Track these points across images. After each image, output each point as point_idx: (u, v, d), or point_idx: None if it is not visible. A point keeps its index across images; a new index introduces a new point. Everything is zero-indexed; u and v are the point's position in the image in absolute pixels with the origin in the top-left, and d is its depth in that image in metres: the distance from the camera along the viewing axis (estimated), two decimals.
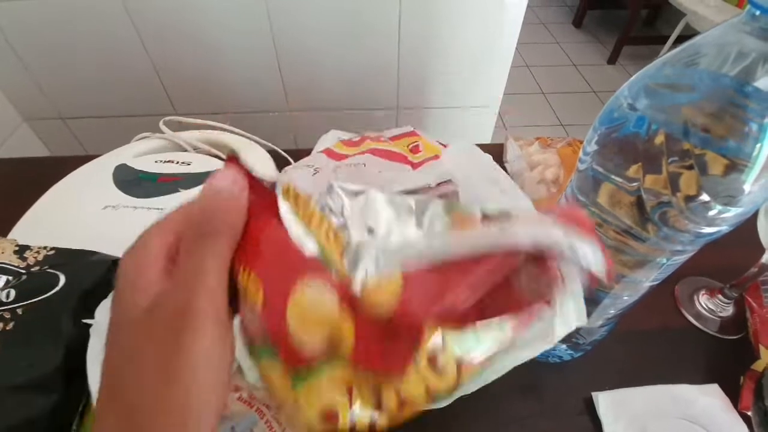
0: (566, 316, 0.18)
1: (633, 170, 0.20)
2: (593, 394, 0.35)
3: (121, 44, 0.74)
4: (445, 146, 0.46)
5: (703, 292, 0.42)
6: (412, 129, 0.46)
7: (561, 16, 2.59)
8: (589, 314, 0.30)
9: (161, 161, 0.40)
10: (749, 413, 0.33)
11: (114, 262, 0.28)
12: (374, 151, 0.36)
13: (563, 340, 0.33)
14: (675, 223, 0.20)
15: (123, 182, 0.38)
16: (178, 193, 0.37)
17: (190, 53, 0.78)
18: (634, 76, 0.21)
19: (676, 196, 0.19)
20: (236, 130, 0.48)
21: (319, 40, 0.80)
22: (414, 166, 0.37)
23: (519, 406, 0.36)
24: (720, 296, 0.41)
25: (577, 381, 0.37)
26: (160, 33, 0.74)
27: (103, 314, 0.26)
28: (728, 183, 0.18)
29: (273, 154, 0.49)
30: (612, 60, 2.24)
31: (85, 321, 0.25)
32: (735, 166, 0.18)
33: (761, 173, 0.18)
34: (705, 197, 0.18)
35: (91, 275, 0.27)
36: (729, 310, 0.41)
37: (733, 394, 0.35)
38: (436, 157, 0.38)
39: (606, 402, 0.35)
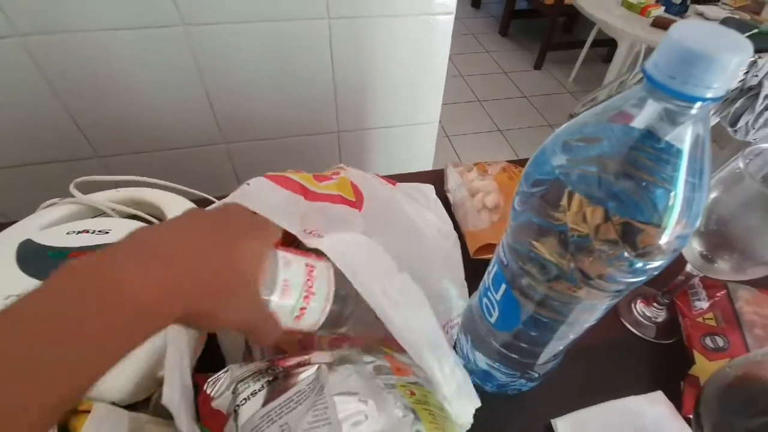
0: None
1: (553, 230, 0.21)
2: (552, 421, 0.36)
3: (23, 87, 0.67)
4: (393, 184, 0.45)
5: (639, 300, 0.45)
6: (342, 165, 0.45)
7: (488, 26, 2.73)
8: (537, 355, 0.31)
9: (74, 232, 0.36)
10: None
11: None
12: (269, 176, 0.35)
13: (519, 376, 0.34)
14: (603, 275, 0.21)
15: (28, 263, 0.33)
16: None
17: (108, 92, 0.73)
18: (553, 134, 0.22)
19: (599, 253, 0.20)
20: (161, 182, 0.44)
21: (250, 73, 0.78)
22: (308, 196, 0.35)
23: None
24: (654, 303, 0.43)
25: (536, 409, 0.37)
26: (68, 73, 0.68)
27: None
28: (646, 240, 0.19)
29: (204, 203, 0.46)
30: (538, 65, 2.38)
31: None
32: (650, 225, 0.19)
33: (676, 225, 0.19)
34: (627, 255, 0.19)
35: None
36: (663, 316, 0.43)
37: (676, 397, 0.37)
38: (342, 199, 0.37)
39: (565, 427, 0.35)
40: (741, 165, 0.32)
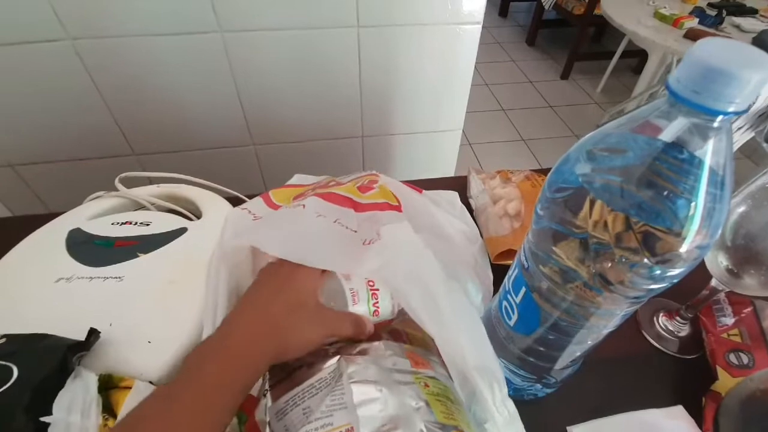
0: None
1: (577, 231, 0.22)
2: (568, 428, 0.36)
3: (72, 87, 0.72)
4: (420, 191, 0.47)
5: (662, 313, 0.44)
6: (375, 172, 0.46)
7: (515, 36, 2.72)
8: (555, 360, 0.31)
9: (118, 223, 0.39)
10: None
11: (69, 347, 0.27)
12: (319, 195, 0.37)
13: (535, 380, 0.34)
14: (623, 281, 0.21)
15: (77, 249, 0.36)
16: (137, 259, 0.35)
17: (147, 94, 0.77)
18: (577, 143, 0.23)
19: (621, 261, 0.21)
20: (197, 180, 0.47)
21: (280, 79, 0.81)
22: (358, 207, 0.37)
23: None
24: (677, 317, 0.43)
25: (552, 416, 0.37)
26: (113, 74, 0.73)
27: (62, 411, 0.24)
28: (666, 248, 0.20)
29: (235, 201, 0.48)
30: (565, 75, 2.36)
31: (42, 419, 0.24)
32: (670, 233, 0.19)
33: (696, 235, 0.20)
34: (647, 262, 0.20)
35: (46, 365, 0.25)
36: (686, 330, 0.43)
37: (697, 414, 0.36)
38: (389, 206, 0.38)
39: None
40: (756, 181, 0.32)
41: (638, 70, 2.08)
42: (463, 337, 0.26)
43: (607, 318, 0.26)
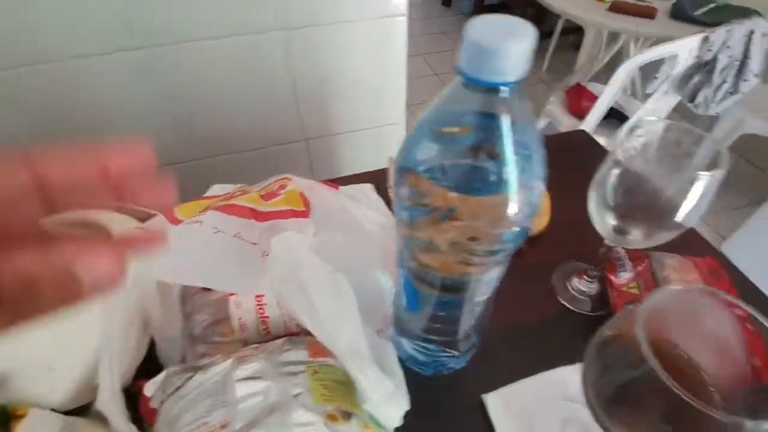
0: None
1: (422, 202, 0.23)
2: (483, 396, 0.38)
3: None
4: (336, 188, 0.48)
5: (574, 276, 0.47)
6: (287, 176, 0.47)
7: (460, 24, 2.75)
8: (453, 333, 0.33)
9: None
10: None
11: None
12: (218, 208, 0.37)
13: (443, 354, 0.36)
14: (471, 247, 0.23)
15: None
16: None
17: (75, 121, 0.75)
18: (407, 136, 0.24)
19: (462, 229, 0.22)
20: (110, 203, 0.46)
21: (212, 87, 0.80)
22: (259, 217, 0.38)
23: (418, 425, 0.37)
24: (585, 276, 0.45)
25: (469, 387, 0.39)
26: (29, 107, 0.70)
27: None
28: (498, 211, 0.21)
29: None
30: None
31: None
32: (498, 197, 0.21)
33: (520, 191, 0.21)
34: (487, 228, 0.21)
35: None
36: (596, 289, 0.45)
37: None
38: (292, 213, 0.39)
39: (495, 401, 0.37)
40: (626, 142, 0.34)
41: (579, 47, 2.15)
42: (336, 328, 0.27)
43: (481, 284, 0.27)
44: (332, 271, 0.31)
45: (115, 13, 0.64)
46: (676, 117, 2.03)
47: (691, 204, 0.32)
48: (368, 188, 0.50)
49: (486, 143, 0.20)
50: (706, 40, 1.06)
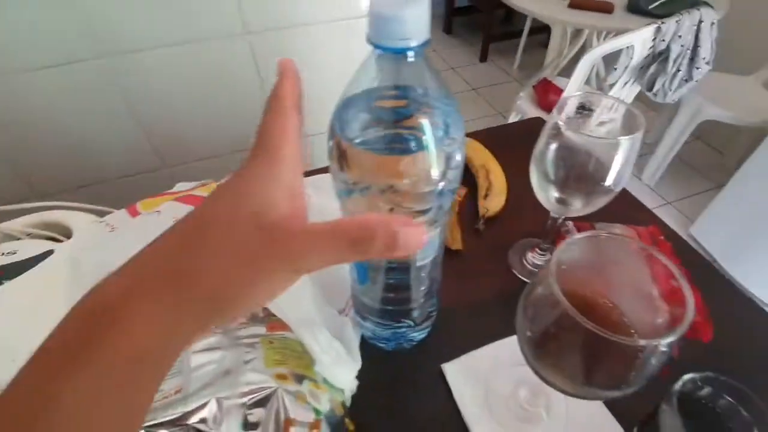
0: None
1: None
2: (442, 366, 0.39)
3: None
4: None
5: (528, 251, 0.49)
6: None
7: (432, 26, 2.77)
8: (406, 301, 0.34)
9: None
10: None
11: None
12: (178, 198, 0.38)
13: (401, 325, 0.37)
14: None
15: None
16: (1, 287, 0.36)
17: (36, 135, 0.75)
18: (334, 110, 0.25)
19: (389, 189, 0.24)
20: (71, 204, 0.47)
21: (181, 98, 0.81)
22: None
23: (380, 397, 0.38)
24: (538, 250, 0.47)
25: (429, 357, 0.40)
26: None
27: None
28: (417, 168, 0.23)
29: None
30: (483, 58, 2.46)
31: None
32: (418, 153, 0.23)
33: (439, 147, 0.23)
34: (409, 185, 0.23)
35: None
36: (548, 260, 0.47)
37: None
38: None
39: (453, 370, 0.39)
40: (558, 116, 0.36)
41: (547, 44, 2.21)
42: (289, 301, 0.29)
43: (424, 248, 0.29)
44: None
45: (71, 22, 0.64)
46: (640, 107, 2.10)
47: (617, 168, 0.35)
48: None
49: (401, 108, 0.22)
50: (658, 30, 1.11)
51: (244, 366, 0.25)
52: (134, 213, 0.40)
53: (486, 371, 0.39)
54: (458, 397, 0.38)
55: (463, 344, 0.41)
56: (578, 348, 0.24)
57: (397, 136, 0.23)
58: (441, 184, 0.24)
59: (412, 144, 0.23)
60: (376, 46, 0.20)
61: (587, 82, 1.78)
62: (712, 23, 1.14)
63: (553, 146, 0.38)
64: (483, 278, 0.48)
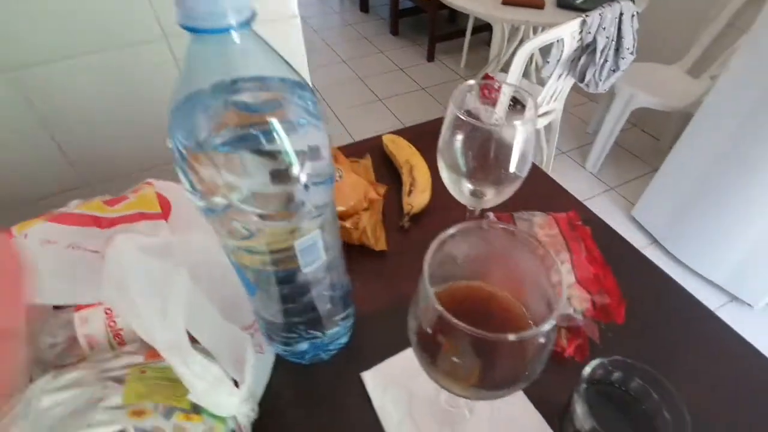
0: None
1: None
2: (361, 374, 0.37)
3: None
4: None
5: None
6: (149, 180, 0.44)
7: (379, 28, 2.82)
8: (310, 306, 0.32)
9: None
10: None
11: None
12: (51, 219, 0.34)
13: (310, 336, 0.35)
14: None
15: None
16: None
17: None
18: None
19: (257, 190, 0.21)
20: None
21: (100, 108, 0.75)
22: (102, 224, 0.35)
23: (298, 411, 0.36)
24: None
25: (348, 367, 0.38)
26: None
27: None
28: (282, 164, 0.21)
29: None
30: (430, 58, 2.49)
31: None
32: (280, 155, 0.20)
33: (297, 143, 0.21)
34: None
35: None
36: None
37: None
38: (141, 216, 0.37)
39: (372, 378, 0.37)
40: (453, 108, 0.35)
41: (490, 42, 2.27)
42: (158, 325, 0.25)
43: (302, 252, 0.27)
44: (168, 269, 0.29)
45: None
46: (582, 98, 2.19)
47: (517, 153, 0.34)
48: None
49: (242, 101, 0.20)
50: (584, 23, 1.15)
51: (95, 405, 0.22)
52: (9, 237, 0.36)
53: (405, 377, 0.37)
54: (378, 405, 0.36)
55: (385, 350, 0.39)
56: (466, 350, 0.22)
57: (241, 131, 0.20)
58: (303, 178, 0.22)
59: (261, 140, 0.20)
60: (189, 29, 0.18)
61: (526, 75, 1.83)
62: (633, 15, 1.19)
63: (459, 137, 0.37)
64: (407, 277, 0.46)
